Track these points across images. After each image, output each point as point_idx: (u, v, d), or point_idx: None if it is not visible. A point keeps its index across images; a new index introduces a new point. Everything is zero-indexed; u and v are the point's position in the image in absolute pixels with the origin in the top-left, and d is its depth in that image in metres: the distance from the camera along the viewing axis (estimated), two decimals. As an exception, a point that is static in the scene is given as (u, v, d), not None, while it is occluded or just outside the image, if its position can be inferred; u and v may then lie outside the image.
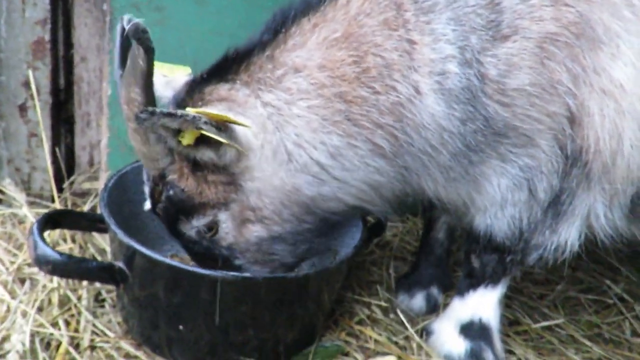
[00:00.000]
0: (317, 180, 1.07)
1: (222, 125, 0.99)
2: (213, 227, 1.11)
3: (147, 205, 1.13)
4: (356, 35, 1.03)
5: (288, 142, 1.04)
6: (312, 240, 1.17)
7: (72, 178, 1.69)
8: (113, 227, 1.12)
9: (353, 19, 1.04)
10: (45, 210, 1.51)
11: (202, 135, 1.00)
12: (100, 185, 1.61)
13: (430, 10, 1.03)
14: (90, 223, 1.25)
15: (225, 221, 1.10)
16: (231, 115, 0.99)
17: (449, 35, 1.02)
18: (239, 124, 0.99)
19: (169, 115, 0.95)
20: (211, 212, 1.09)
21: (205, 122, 0.97)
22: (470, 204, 1.17)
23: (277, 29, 1.06)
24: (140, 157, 1.08)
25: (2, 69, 1.55)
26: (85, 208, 1.62)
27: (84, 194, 1.69)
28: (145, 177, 1.13)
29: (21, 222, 1.51)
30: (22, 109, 1.60)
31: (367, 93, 1.03)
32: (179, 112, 0.97)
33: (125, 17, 0.95)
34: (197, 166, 1.07)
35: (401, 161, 1.08)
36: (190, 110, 0.98)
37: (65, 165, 1.68)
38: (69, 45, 1.64)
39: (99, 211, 1.36)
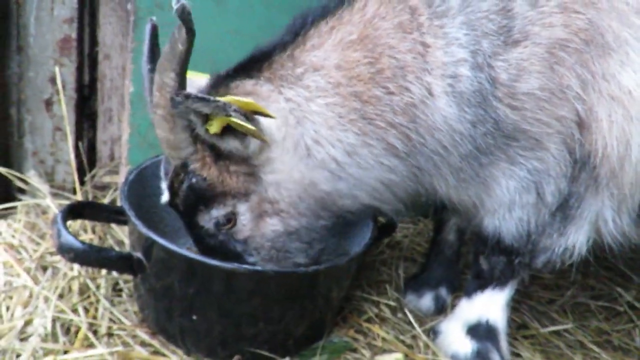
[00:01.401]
0: (334, 176, 1.10)
1: (250, 115, 1.02)
2: (231, 218, 1.13)
3: (165, 198, 1.15)
4: (371, 37, 1.06)
5: (307, 137, 1.07)
6: (326, 240, 1.19)
7: (93, 171, 1.75)
8: (133, 218, 1.15)
9: (369, 22, 1.07)
10: (68, 202, 1.57)
11: (229, 126, 1.03)
12: (120, 179, 1.66)
13: (444, 14, 1.06)
14: (110, 215, 1.30)
15: (244, 213, 1.12)
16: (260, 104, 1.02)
17: (461, 39, 1.05)
18: (266, 114, 1.02)
19: (203, 99, 0.97)
20: (231, 202, 1.11)
21: (236, 110, 0.99)
22: (479, 206, 1.19)
23: (297, 31, 1.09)
24: (164, 146, 1.10)
25: (30, 64, 1.61)
26: (106, 200, 1.67)
27: (105, 187, 1.74)
28: (162, 172, 1.16)
29: (44, 212, 1.56)
30: (48, 103, 1.66)
31: (381, 93, 1.06)
32: (212, 97, 0.99)
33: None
34: (219, 156, 1.09)
35: (414, 161, 1.10)
36: (221, 98, 1.01)
37: (87, 159, 1.74)
38: (93, 43, 1.70)
39: (119, 204, 1.40)
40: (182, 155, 1.09)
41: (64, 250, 1.10)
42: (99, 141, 1.78)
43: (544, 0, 1.05)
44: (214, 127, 1.03)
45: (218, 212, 1.11)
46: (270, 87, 1.07)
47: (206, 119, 1.03)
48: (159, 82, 1.02)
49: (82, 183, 1.68)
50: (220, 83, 1.09)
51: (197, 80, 1.13)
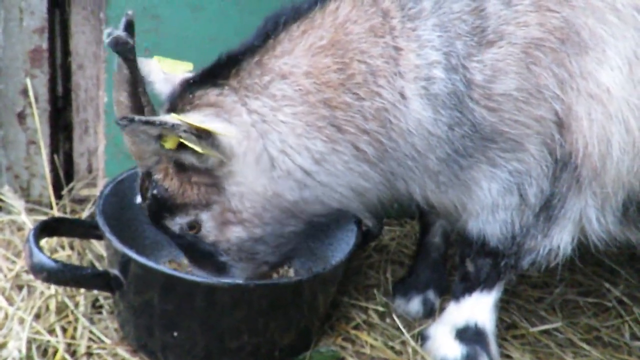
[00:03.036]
0: (300, 185, 1.09)
1: (204, 133, 1.01)
2: (194, 226, 1.14)
3: (138, 199, 1.17)
4: (342, 42, 1.04)
5: (272, 148, 1.06)
6: (297, 241, 1.19)
7: (70, 185, 1.71)
8: (108, 234, 1.12)
9: (340, 26, 1.05)
10: (44, 217, 1.53)
11: (183, 144, 1.02)
12: (96, 192, 1.63)
13: (416, 17, 1.04)
14: (86, 230, 1.26)
15: (207, 221, 1.13)
16: (213, 124, 1.01)
17: (434, 41, 1.04)
18: (219, 134, 1.01)
19: (148, 123, 0.98)
20: (193, 211, 1.12)
21: (185, 131, 0.99)
22: (461, 209, 1.17)
23: (268, 35, 1.07)
24: (134, 156, 1.12)
25: (1, 77, 1.57)
26: (84, 215, 1.63)
27: (83, 201, 1.70)
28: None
29: (20, 229, 1.52)
30: (21, 116, 1.61)
31: (351, 99, 1.04)
32: (158, 119, 1.00)
33: (106, 31, 0.99)
34: (181, 167, 1.09)
35: (386, 166, 1.09)
36: (171, 117, 1.01)
37: (64, 172, 1.70)
38: (66, 53, 1.65)
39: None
40: (147, 164, 1.10)
41: (36, 270, 1.07)
42: (75, 153, 1.73)
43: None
44: (169, 143, 1.03)
45: (181, 220, 1.13)
46: (234, 98, 1.05)
47: (159, 136, 1.03)
48: (115, 98, 1.04)
49: (59, 197, 1.64)
50: (187, 91, 1.07)
51: (172, 77, 1.12)
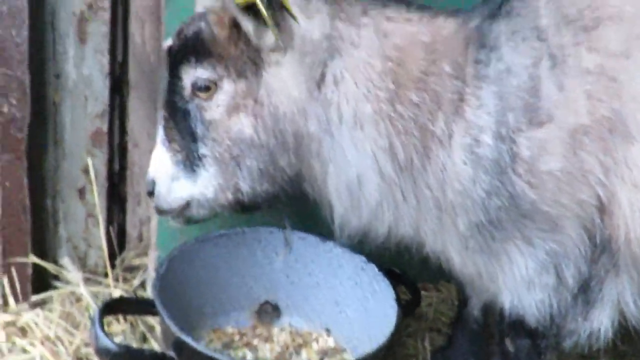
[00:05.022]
0: (327, 128, 1.06)
1: (278, 6, 1.00)
2: (210, 87, 1.08)
3: (168, 42, 1.14)
4: (438, 52, 1.09)
5: (329, 69, 1.05)
6: (275, 187, 1.12)
7: (123, 254, 1.82)
8: (167, 319, 1.20)
9: (439, 39, 1.10)
10: (100, 287, 1.63)
11: (255, 5, 0.99)
12: (149, 262, 1.72)
13: (483, 78, 1.09)
14: (143, 307, 1.35)
15: (225, 93, 1.08)
16: (295, 7, 1.01)
17: (490, 107, 1.08)
18: (293, 16, 1.00)
19: None
20: (220, 71, 1.07)
21: None
22: (487, 279, 1.17)
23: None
24: None
25: (65, 157, 1.72)
26: (135, 282, 1.73)
27: (134, 269, 1.80)
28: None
29: (78, 300, 1.62)
30: (81, 192, 1.75)
31: (415, 101, 1.07)
32: None
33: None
34: (237, 27, 1.06)
35: (404, 183, 1.09)
36: None
37: (117, 242, 1.81)
38: (123, 132, 1.80)
39: (148, 288, 1.44)
40: (207, 5, 1.09)
41: (102, 353, 1.15)
42: (128, 224, 1.85)
43: (571, 86, 1.07)
44: None
45: (203, 73, 1.08)
46: (328, 9, 1.06)
47: None
48: None
49: (112, 266, 1.74)
50: None
51: None
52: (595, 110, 1.05)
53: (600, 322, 1.15)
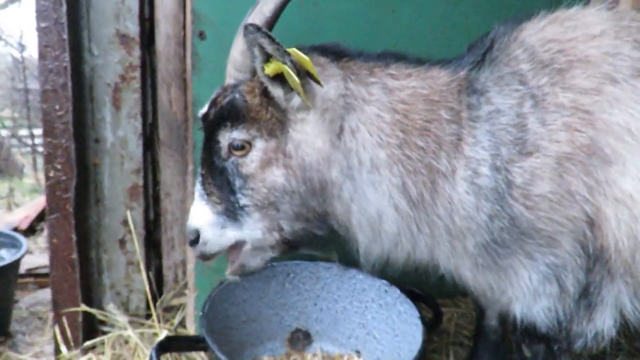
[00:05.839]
0: (348, 172, 1.20)
1: (303, 75, 1.14)
2: (245, 147, 1.21)
3: (204, 110, 1.26)
4: (435, 102, 1.23)
5: (346, 123, 1.19)
6: (310, 225, 1.25)
7: (162, 297, 1.95)
8: (217, 352, 1.30)
9: (437, 91, 1.25)
10: (144, 328, 1.75)
11: (282, 75, 1.15)
12: (188, 302, 1.85)
13: (476, 119, 1.23)
14: (192, 344, 1.45)
15: (258, 150, 1.22)
16: (315, 70, 1.14)
17: (484, 143, 1.21)
18: (316, 79, 1.14)
19: (269, 37, 1.12)
20: (253, 133, 1.21)
21: (292, 61, 1.13)
22: (498, 292, 1.28)
23: (390, 56, 1.27)
24: (230, 64, 1.25)
25: (106, 212, 1.87)
26: (175, 322, 1.85)
27: (171, 309, 1.93)
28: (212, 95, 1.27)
29: (126, 341, 1.74)
30: (122, 242, 1.90)
31: (421, 145, 1.20)
32: (277, 40, 1.12)
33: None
34: (266, 94, 1.21)
35: (417, 216, 1.21)
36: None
37: (155, 285, 1.95)
38: (155, 184, 1.96)
39: (188, 326, 1.54)
40: (239, 78, 1.24)
41: (162, 387, 1.26)
42: (164, 267, 1.99)
43: (551, 120, 1.19)
44: (270, 69, 1.15)
45: (238, 135, 1.21)
46: (340, 73, 1.22)
47: (267, 58, 1.15)
48: (257, 9, 1.22)
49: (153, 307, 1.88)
50: (300, 49, 1.19)
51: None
52: (574, 139, 1.17)
53: (603, 322, 1.25)
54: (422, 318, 1.48)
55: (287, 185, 1.22)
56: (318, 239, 1.31)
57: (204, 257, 1.34)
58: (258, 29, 1.12)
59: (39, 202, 3.66)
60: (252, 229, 1.27)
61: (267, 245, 1.30)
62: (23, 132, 6.88)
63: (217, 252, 1.32)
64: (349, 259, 1.41)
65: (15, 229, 3.15)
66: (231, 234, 1.29)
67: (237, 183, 1.24)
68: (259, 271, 1.57)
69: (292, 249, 1.32)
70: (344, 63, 1.27)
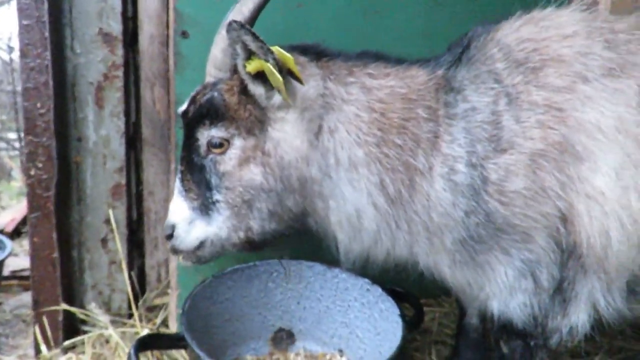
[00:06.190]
0: (326, 170, 1.21)
1: (284, 72, 1.14)
2: (224, 144, 1.22)
3: (183, 107, 1.27)
4: (413, 100, 1.25)
5: (325, 122, 1.20)
6: (282, 225, 1.26)
7: (145, 296, 1.94)
8: (197, 350, 1.30)
9: (415, 90, 1.26)
10: (125, 327, 1.74)
11: (263, 73, 1.16)
12: (170, 302, 1.84)
13: (452, 117, 1.25)
14: (173, 342, 1.44)
15: (237, 148, 1.22)
16: (297, 70, 1.14)
17: (460, 140, 1.23)
18: (298, 78, 1.15)
19: (252, 35, 1.13)
20: (232, 131, 1.22)
21: (274, 59, 1.13)
22: (477, 288, 1.29)
23: (369, 56, 1.28)
24: (210, 63, 1.25)
25: (88, 211, 1.86)
26: (158, 321, 1.84)
27: (154, 308, 1.92)
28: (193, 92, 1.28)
29: (107, 341, 1.73)
30: (104, 241, 1.89)
31: (399, 143, 1.22)
32: (261, 38, 1.13)
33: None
34: (245, 92, 1.22)
35: (395, 213, 1.22)
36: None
37: (138, 284, 1.94)
38: (138, 183, 1.95)
39: (170, 325, 1.54)
40: (219, 76, 1.24)
41: (139, 388, 1.25)
42: (147, 267, 1.99)
43: (525, 117, 1.21)
44: (251, 66, 1.16)
45: (216, 133, 1.22)
46: (319, 72, 1.23)
47: (249, 56, 1.16)
48: (236, 8, 1.22)
49: (136, 307, 1.86)
50: (291, 50, 1.22)
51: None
52: (547, 136, 1.20)
53: (578, 317, 1.27)
54: (403, 316, 1.49)
55: (265, 183, 1.23)
56: (280, 241, 1.33)
57: (175, 251, 1.35)
58: (242, 26, 1.13)
59: (26, 205, 3.62)
60: (220, 227, 1.29)
61: (228, 244, 1.31)
62: (11, 135, 6.83)
63: (187, 250, 1.33)
64: (329, 258, 1.42)
65: (1, 232, 3.12)
66: (199, 232, 1.30)
67: (214, 180, 1.26)
68: (242, 270, 1.62)
69: (252, 249, 1.33)
70: (324, 63, 1.29)
